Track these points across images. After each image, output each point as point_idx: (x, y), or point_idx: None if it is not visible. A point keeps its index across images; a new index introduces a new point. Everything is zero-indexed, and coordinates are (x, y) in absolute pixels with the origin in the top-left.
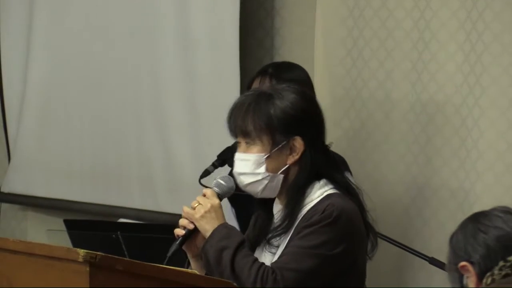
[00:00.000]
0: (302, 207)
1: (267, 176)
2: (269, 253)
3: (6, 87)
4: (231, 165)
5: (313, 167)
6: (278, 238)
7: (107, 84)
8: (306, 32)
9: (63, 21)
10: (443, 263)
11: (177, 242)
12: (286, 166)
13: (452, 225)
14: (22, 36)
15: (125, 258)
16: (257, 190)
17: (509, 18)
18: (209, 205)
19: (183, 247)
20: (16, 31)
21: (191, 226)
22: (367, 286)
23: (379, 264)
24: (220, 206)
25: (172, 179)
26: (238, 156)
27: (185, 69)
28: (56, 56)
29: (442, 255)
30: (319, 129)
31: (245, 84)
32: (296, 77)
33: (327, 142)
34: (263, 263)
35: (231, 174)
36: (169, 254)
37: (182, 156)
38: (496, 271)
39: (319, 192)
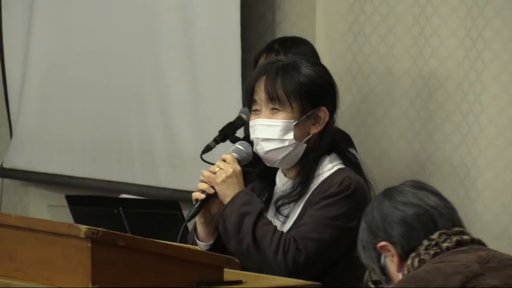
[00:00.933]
0: (313, 178)
1: (293, 143)
2: (278, 221)
3: (8, 63)
4: (233, 140)
5: (332, 139)
6: (287, 206)
7: (108, 61)
8: (307, 7)
9: None
10: None
11: (196, 206)
12: (310, 136)
13: (453, 201)
14: (25, 12)
15: (127, 234)
16: (277, 158)
17: None
18: (230, 170)
19: None
20: (18, 7)
21: (211, 191)
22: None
23: None
24: (241, 172)
25: (173, 155)
26: (261, 121)
27: (186, 43)
28: (58, 33)
29: None
30: (337, 102)
31: (246, 59)
32: (302, 52)
33: None
34: (283, 232)
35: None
36: (187, 218)
37: (184, 131)
38: (422, 251)
39: (329, 165)
